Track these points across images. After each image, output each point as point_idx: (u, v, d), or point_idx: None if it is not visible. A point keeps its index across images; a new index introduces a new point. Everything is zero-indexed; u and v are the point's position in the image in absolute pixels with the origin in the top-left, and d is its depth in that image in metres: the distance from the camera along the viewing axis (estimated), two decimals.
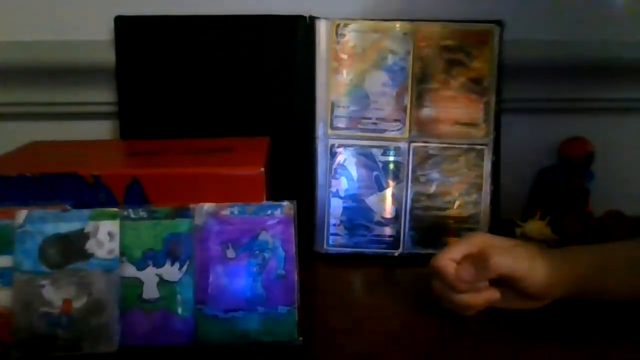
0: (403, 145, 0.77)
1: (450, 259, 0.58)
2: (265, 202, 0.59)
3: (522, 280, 0.57)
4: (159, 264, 0.55)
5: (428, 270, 0.59)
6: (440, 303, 0.60)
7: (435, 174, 0.77)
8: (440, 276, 0.58)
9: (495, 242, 0.60)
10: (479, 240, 0.59)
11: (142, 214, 0.56)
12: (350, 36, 0.77)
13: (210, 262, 0.56)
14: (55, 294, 0.54)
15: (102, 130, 0.85)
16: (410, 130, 0.77)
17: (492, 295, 0.58)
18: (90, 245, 0.55)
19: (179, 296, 0.55)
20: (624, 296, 0.60)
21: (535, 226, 0.76)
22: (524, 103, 0.86)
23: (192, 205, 0.57)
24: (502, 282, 0.58)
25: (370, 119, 0.77)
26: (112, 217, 0.56)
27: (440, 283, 0.58)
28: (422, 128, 0.77)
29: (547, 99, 0.88)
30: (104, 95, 0.83)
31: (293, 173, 0.77)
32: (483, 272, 0.57)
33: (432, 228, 0.77)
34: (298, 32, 0.78)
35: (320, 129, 0.78)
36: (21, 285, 0.54)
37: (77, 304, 0.54)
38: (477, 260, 0.57)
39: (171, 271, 0.55)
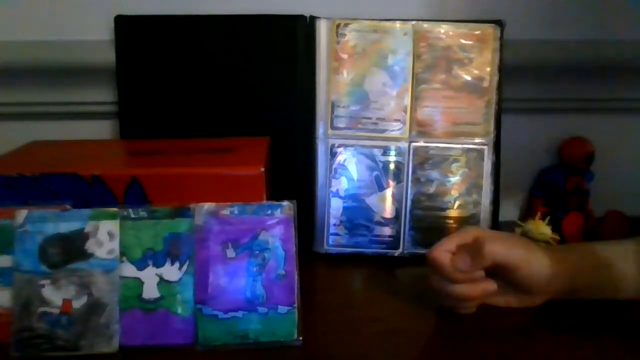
0: (403, 145, 0.77)
1: (445, 250, 0.58)
2: (265, 202, 0.59)
3: (517, 270, 0.57)
4: (159, 264, 0.55)
5: (425, 266, 0.59)
6: (439, 301, 0.60)
7: (435, 174, 0.77)
8: (436, 268, 0.58)
9: (490, 233, 0.60)
10: (473, 232, 0.60)
11: (142, 213, 0.56)
12: (350, 36, 0.77)
13: (210, 262, 0.56)
14: (55, 294, 0.54)
15: (102, 130, 0.85)
16: (410, 130, 0.77)
17: (488, 286, 0.58)
18: (90, 245, 0.55)
19: (179, 296, 0.55)
20: (623, 295, 0.60)
21: (535, 226, 0.76)
22: (524, 103, 0.86)
23: (192, 205, 0.57)
24: (499, 276, 0.58)
25: (370, 118, 0.77)
26: (112, 217, 0.56)
27: (437, 277, 0.58)
28: (422, 128, 0.77)
29: (547, 99, 0.88)
30: (104, 95, 0.83)
31: (293, 173, 0.77)
32: (478, 260, 0.56)
33: (432, 228, 0.77)
34: (298, 32, 0.78)
35: (320, 129, 0.78)
36: (21, 285, 0.54)
37: (77, 304, 0.54)
38: (472, 249, 0.57)
39: (171, 271, 0.55)
